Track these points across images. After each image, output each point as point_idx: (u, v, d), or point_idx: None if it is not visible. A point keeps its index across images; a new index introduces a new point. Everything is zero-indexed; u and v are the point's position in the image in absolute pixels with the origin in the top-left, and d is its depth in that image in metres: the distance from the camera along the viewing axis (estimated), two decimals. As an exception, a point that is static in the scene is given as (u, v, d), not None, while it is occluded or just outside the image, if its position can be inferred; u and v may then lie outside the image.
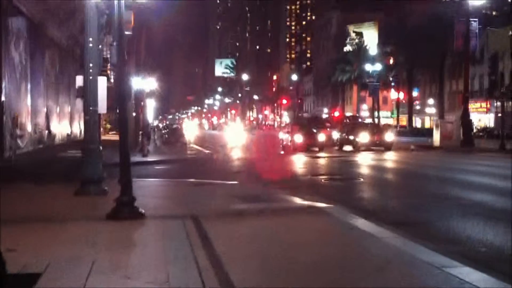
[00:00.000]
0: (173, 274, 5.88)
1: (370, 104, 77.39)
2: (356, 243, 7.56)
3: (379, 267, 6.27)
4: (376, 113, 68.42)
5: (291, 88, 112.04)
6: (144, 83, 34.21)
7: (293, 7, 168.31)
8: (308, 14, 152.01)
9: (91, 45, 12.04)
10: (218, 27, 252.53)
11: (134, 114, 29.37)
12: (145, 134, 29.55)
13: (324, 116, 78.28)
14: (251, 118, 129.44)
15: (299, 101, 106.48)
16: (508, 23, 69.61)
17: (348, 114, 72.26)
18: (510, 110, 48.46)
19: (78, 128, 40.57)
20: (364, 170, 21.18)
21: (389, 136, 34.15)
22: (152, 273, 5.95)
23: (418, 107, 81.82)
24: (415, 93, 77.92)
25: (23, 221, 8.76)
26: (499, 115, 62.77)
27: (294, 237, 7.93)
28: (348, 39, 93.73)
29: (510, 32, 62.38)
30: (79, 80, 12.54)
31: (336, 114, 72.20)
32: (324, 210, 10.36)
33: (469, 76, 40.36)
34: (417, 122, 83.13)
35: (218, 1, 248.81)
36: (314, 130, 34.53)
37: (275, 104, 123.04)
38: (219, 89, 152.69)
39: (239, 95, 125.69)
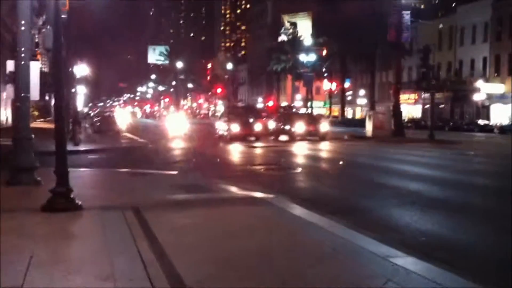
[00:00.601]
0: (117, 267, 5.68)
1: (304, 94, 78.37)
2: (299, 232, 7.57)
3: (324, 256, 6.29)
4: (309, 103, 69.33)
5: (226, 77, 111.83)
6: (75, 69, 33.15)
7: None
8: (243, 2, 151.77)
9: (23, 28, 11.47)
10: (151, 13, 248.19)
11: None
12: (76, 122, 28.62)
13: (259, 105, 78.63)
14: (186, 107, 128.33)
15: (234, 90, 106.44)
16: (436, 16, 72.17)
17: (283, 104, 72.90)
18: (437, 102, 50.20)
19: (4, 115, 38.91)
20: (301, 159, 21.39)
21: (324, 126, 34.67)
22: (95, 266, 5.73)
23: (349, 98, 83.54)
24: (347, 84, 79.49)
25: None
26: (427, 106, 65.18)
27: (237, 227, 7.86)
28: (282, 29, 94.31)
29: (441, 25, 64.78)
30: (10, 65, 11.97)
31: (270, 103, 72.76)
32: (265, 199, 10.35)
33: (401, 68, 41.50)
34: (348, 113, 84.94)
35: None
36: (251, 120, 34.52)
37: (210, 93, 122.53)
38: (153, 76, 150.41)
39: (173, 83, 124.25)
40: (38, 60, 15.66)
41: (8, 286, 5.02)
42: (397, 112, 36.61)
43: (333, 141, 32.76)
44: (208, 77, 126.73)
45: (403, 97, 58.85)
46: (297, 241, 7.10)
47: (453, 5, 71.63)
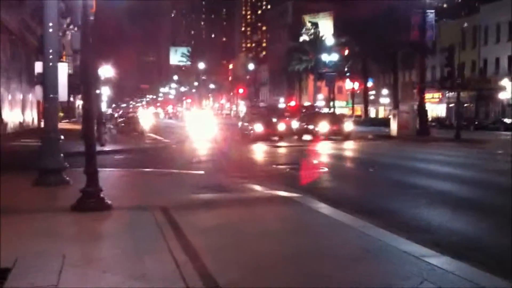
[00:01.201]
0: (149, 267, 5.69)
1: (326, 94, 78.01)
2: (330, 232, 7.50)
3: (357, 256, 6.22)
4: (332, 103, 69.03)
5: (247, 77, 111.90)
6: (99, 71, 33.38)
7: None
8: (264, 3, 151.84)
9: (51, 30, 11.58)
10: (172, 15, 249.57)
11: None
12: (101, 123, 28.85)
13: (281, 105, 78.49)
14: (208, 107, 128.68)
15: (255, 90, 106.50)
16: (459, 16, 71.36)
17: (305, 104, 72.68)
18: (462, 101, 49.55)
19: (30, 116, 39.38)
20: (326, 159, 21.26)
21: (348, 126, 34.48)
22: (128, 266, 5.73)
23: (372, 97, 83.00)
24: (369, 83, 78.98)
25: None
26: (451, 105, 64.43)
27: (267, 227, 7.82)
28: (304, 29, 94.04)
29: (466, 24, 64.01)
30: (38, 67, 12.07)
31: (292, 103, 72.62)
32: (293, 199, 10.28)
33: (425, 67, 41.12)
34: (371, 112, 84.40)
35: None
36: (274, 120, 34.50)
37: (231, 93, 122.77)
38: (175, 77, 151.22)
39: (195, 83, 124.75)
40: (64, 62, 15.81)
41: (43, 285, 5.04)
42: (422, 111, 36.25)
43: (357, 141, 32.55)
44: (230, 78, 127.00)
45: (427, 96, 58.16)
46: (329, 241, 7.03)
47: (476, 4, 70.80)
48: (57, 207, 9.03)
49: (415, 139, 33.03)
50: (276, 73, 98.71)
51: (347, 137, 33.31)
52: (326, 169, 16.87)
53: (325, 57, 66.26)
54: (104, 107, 54.90)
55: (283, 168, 17.21)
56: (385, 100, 79.87)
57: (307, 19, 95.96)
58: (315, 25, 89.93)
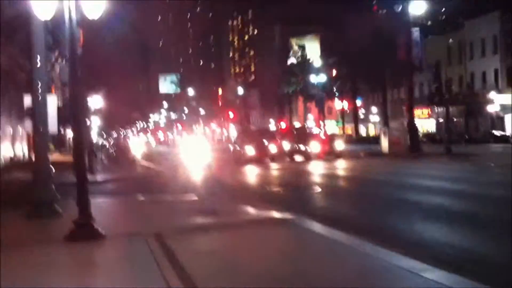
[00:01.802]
0: (145, 296, 5.63)
1: (316, 115, 78.33)
2: (326, 251, 7.47)
3: (355, 274, 6.19)
4: (322, 123, 69.30)
5: (237, 102, 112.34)
6: (89, 101, 33.41)
7: (235, 22, 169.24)
8: (250, 28, 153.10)
9: (39, 63, 11.60)
10: (160, 45, 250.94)
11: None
12: (91, 152, 28.77)
13: (271, 128, 78.68)
14: (199, 133, 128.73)
15: (246, 114, 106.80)
16: (444, 32, 72.19)
17: (296, 125, 72.94)
18: (452, 116, 49.85)
19: (21, 150, 39.27)
20: (319, 179, 21.26)
21: (339, 145, 34.55)
22: (124, 295, 5.68)
23: (362, 116, 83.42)
24: (358, 102, 79.44)
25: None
26: (441, 120, 64.81)
27: (262, 249, 7.78)
28: (291, 52, 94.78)
29: (451, 40, 64.74)
30: (28, 100, 12.06)
31: (283, 125, 72.79)
32: (287, 220, 10.25)
33: (413, 84, 41.45)
34: (362, 130, 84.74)
35: (159, 18, 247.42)
36: (265, 142, 34.51)
37: (222, 118, 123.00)
38: (165, 105, 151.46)
39: (185, 110, 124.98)
40: (53, 94, 15.81)
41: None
42: (412, 127, 36.42)
43: (349, 159, 32.60)
44: (220, 103, 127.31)
45: (416, 112, 58.61)
46: (326, 261, 7.00)
47: (461, 19, 71.67)
48: (50, 239, 8.97)
49: (406, 155, 33.11)
50: (265, 96, 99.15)
51: (338, 156, 33.37)
52: (319, 189, 16.85)
53: (313, 79, 66.70)
54: (95, 136, 54.83)
55: (276, 190, 17.18)
56: (375, 118, 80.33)
57: (294, 42, 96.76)
58: (302, 47, 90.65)
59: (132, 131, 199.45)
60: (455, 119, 64.79)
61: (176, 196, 15.73)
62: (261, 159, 32.45)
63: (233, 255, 7.44)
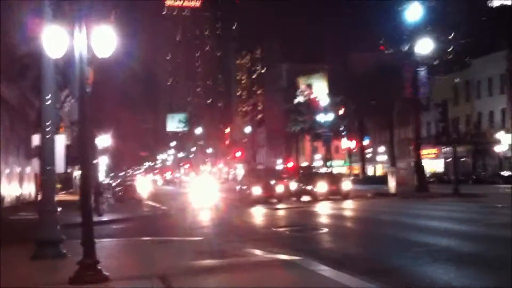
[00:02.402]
0: None
1: (323, 154, 78.31)
2: (333, 296, 7.36)
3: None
4: (329, 163, 69.19)
5: (244, 140, 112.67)
6: (96, 140, 33.69)
7: (243, 61, 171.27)
8: (258, 67, 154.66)
9: (48, 103, 11.71)
10: (168, 83, 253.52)
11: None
12: (98, 192, 28.76)
13: (278, 167, 78.67)
14: (206, 172, 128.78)
15: (253, 153, 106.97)
16: (451, 71, 72.63)
17: (303, 164, 72.87)
18: (458, 156, 49.72)
19: (28, 189, 39.29)
20: (326, 219, 21.12)
21: (346, 185, 34.41)
22: None
23: (369, 155, 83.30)
24: (366, 141, 79.48)
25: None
26: (449, 160, 64.62)
27: (268, 292, 7.67)
28: (298, 91, 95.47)
29: (458, 79, 65.05)
30: (36, 140, 12.14)
31: (290, 164, 72.79)
32: (293, 262, 10.15)
33: (420, 124, 41.51)
34: (369, 170, 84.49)
35: (168, 58, 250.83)
36: (272, 182, 34.44)
37: (229, 157, 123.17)
38: (172, 143, 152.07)
39: (192, 149, 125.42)
40: (62, 133, 15.92)
41: None
42: (419, 167, 36.31)
43: (357, 200, 32.42)
44: (227, 142, 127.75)
45: (423, 152, 58.63)
46: (332, 304, 6.88)
47: (467, 59, 72.15)
48: (55, 281, 8.88)
49: (414, 195, 32.90)
50: (273, 135, 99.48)
51: (346, 196, 33.18)
52: (326, 230, 16.71)
53: (320, 118, 66.90)
54: (102, 176, 54.93)
55: (283, 231, 17.04)
56: (382, 157, 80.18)
57: (301, 80, 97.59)
58: (309, 86, 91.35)
59: (139, 170, 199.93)
60: (462, 159, 64.61)
61: (181, 236, 15.64)
62: (268, 199, 32.33)
63: (238, 299, 7.33)
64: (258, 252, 11.72)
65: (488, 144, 61.28)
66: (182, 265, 10.06)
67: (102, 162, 54.58)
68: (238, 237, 15.22)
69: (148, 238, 15.76)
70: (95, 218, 22.18)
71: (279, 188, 33.28)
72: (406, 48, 37.42)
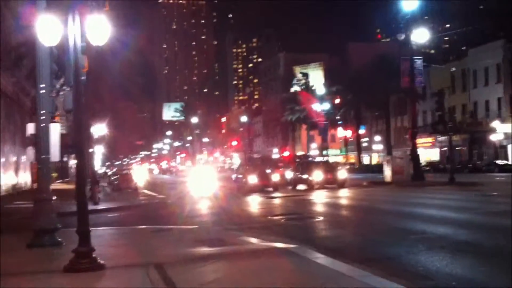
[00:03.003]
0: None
1: (319, 143, 78.39)
2: (328, 283, 7.37)
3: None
4: (325, 152, 69.25)
5: (240, 129, 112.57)
6: (92, 129, 33.54)
7: (239, 50, 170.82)
8: (255, 56, 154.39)
9: (43, 91, 11.66)
10: (165, 72, 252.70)
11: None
12: (94, 181, 28.73)
13: (274, 156, 78.69)
14: (202, 161, 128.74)
15: (249, 142, 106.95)
16: (447, 60, 72.65)
17: (299, 153, 72.90)
18: (454, 145, 49.79)
19: (23, 178, 39.23)
20: (322, 208, 21.15)
21: (342, 174, 34.46)
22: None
23: (365, 144, 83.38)
24: (362, 131, 79.52)
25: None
26: (444, 149, 64.76)
27: (265, 280, 7.67)
28: (295, 80, 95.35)
29: (454, 68, 65.06)
30: (31, 128, 12.09)
31: (286, 154, 72.83)
32: (289, 250, 10.16)
33: (416, 112, 41.51)
34: (365, 159, 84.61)
35: (164, 46, 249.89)
36: (268, 171, 34.50)
37: (225, 146, 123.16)
38: (168, 132, 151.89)
39: (189, 138, 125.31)
40: (57, 122, 15.86)
41: None
42: (415, 156, 36.36)
43: (352, 188, 32.48)
44: (223, 131, 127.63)
45: (419, 140, 58.79)
46: (327, 292, 6.90)
47: (464, 48, 72.15)
48: (50, 269, 8.88)
49: (409, 184, 32.98)
50: (269, 124, 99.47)
51: (341, 185, 33.23)
52: (322, 218, 16.75)
53: (317, 107, 66.88)
54: (98, 165, 54.84)
55: (279, 219, 17.07)
56: (378, 146, 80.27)
57: (298, 70, 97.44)
58: (306, 75, 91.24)
59: (135, 159, 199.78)
60: (458, 148, 64.75)
61: (177, 225, 15.66)
62: (264, 188, 32.37)
63: (234, 286, 7.34)
64: (254, 240, 11.74)
65: (484, 133, 61.40)
66: (178, 254, 10.07)
67: (98, 151, 54.42)
68: (234, 225, 15.23)
69: (144, 226, 15.79)
70: (91, 207, 22.19)
71: (275, 177, 33.33)
72: (403, 37, 37.31)
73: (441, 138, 61.20)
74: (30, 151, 12.25)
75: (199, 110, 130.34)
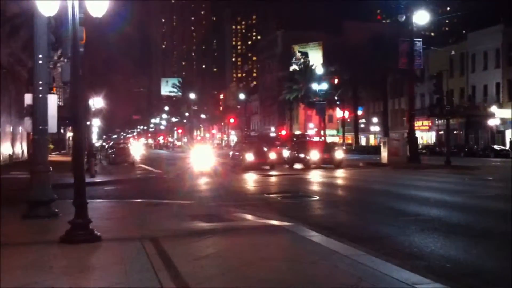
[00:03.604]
0: (139, 299, 5.59)
1: (317, 123, 78.37)
2: (321, 260, 7.44)
3: (350, 285, 6.16)
4: (322, 132, 69.30)
5: (238, 107, 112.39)
6: (90, 102, 33.51)
7: (238, 27, 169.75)
8: (254, 33, 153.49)
9: (40, 62, 11.59)
10: (163, 46, 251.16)
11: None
12: (91, 154, 28.75)
13: (271, 134, 78.68)
14: (199, 137, 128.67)
15: (246, 120, 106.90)
16: (446, 43, 72.33)
17: (296, 132, 72.89)
18: (451, 128, 49.87)
19: (20, 148, 39.21)
20: (317, 187, 21.23)
21: (339, 154, 34.51)
22: (117, 298, 5.64)
23: (362, 125, 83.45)
24: (359, 112, 79.50)
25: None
26: (441, 132, 64.89)
27: (258, 256, 7.74)
28: (293, 59, 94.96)
29: (453, 52, 64.83)
30: (28, 99, 12.05)
31: (283, 132, 72.79)
32: (284, 228, 10.24)
33: (414, 95, 41.45)
34: (362, 140, 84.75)
35: (163, 20, 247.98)
36: (265, 149, 34.51)
37: (222, 123, 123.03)
38: (166, 108, 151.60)
39: (186, 114, 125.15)
40: (54, 93, 15.81)
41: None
42: (412, 138, 36.41)
43: (349, 169, 32.57)
44: (221, 108, 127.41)
45: (416, 123, 58.90)
46: (320, 270, 6.97)
47: (464, 32, 71.81)
48: (46, 240, 8.93)
49: (406, 166, 33.08)
50: (267, 102, 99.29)
51: (338, 165, 33.30)
52: (318, 197, 16.82)
53: (315, 86, 66.73)
54: (94, 138, 54.80)
55: (275, 197, 17.14)
56: (375, 128, 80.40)
57: (297, 48, 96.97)
58: (305, 54, 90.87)
59: (133, 134, 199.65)
60: (455, 131, 64.88)
61: (173, 200, 15.72)
62: (260, 165, 32.41)
63: (226, 261, 7.41)
64: (249, 217, 11.81)
65: (481, 118, 61.47)
66: (173, 228, 10.13)
67: (95, 124, 54.38)
68: (230, 202, 15.30)
69: (141, 200, 15.85)
70: (87, 179, 22.23)
71: (272, 155, 33.35)
72: (403, 18, 37.08)
73: (439, 121, 61.32)
74: (27, 121, 12.22)
75: (197, 86, 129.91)
